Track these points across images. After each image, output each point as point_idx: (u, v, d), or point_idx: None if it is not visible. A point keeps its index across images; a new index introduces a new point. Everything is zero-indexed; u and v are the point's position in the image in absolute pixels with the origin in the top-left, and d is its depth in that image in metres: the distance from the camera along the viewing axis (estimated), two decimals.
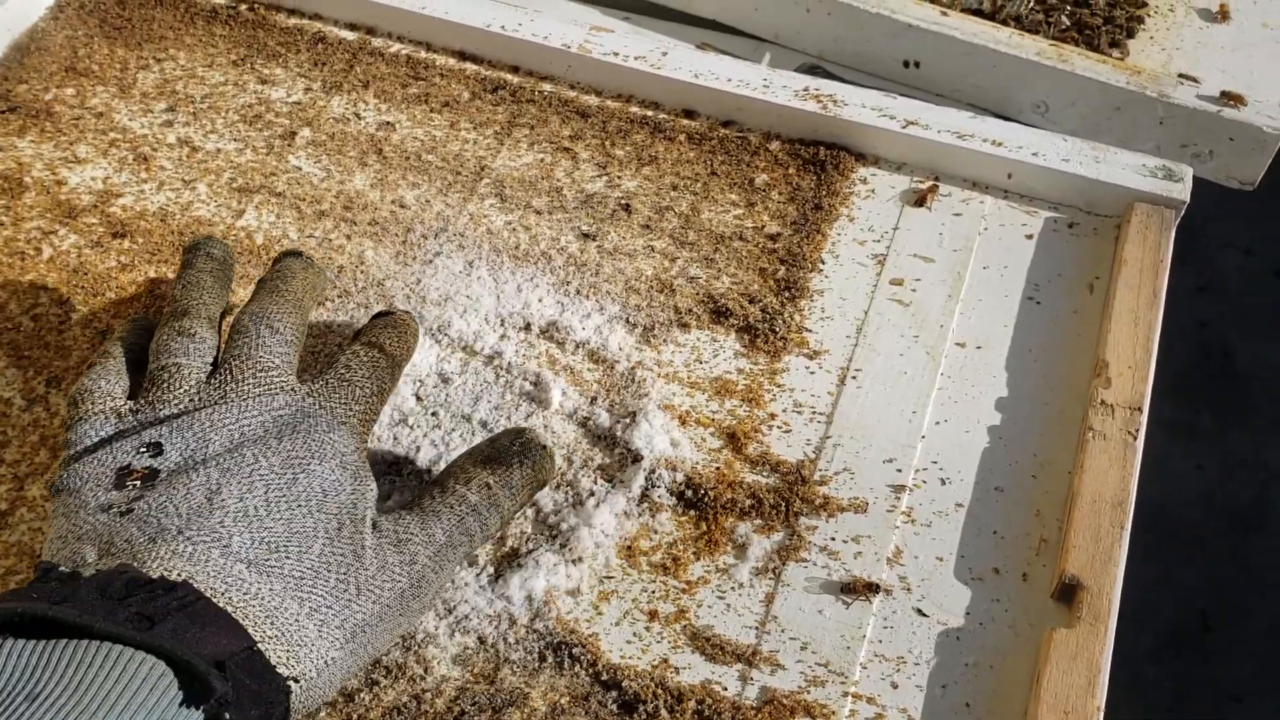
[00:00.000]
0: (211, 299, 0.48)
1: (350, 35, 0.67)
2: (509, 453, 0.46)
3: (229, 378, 0.45)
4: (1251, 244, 1.78)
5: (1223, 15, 0.70)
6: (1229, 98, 0.62)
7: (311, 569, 0.40)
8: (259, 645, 0.36)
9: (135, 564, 0.37)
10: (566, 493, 0.50)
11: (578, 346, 0.54)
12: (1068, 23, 0.69)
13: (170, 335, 0.46)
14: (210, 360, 0.46)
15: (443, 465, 0.50)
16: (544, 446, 0.46)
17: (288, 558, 0.39)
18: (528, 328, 0.55)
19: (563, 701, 0.44)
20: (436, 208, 0.59)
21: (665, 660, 0.45)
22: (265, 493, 0.41)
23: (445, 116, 0.63)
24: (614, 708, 0.44)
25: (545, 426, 0.52)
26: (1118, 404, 0.50)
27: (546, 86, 0.65)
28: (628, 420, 0.52)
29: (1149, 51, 0.69)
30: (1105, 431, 0.50)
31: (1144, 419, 0.50)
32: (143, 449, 0.42)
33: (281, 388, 0.45)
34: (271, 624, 0.37)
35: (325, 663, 0.38)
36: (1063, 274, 0.57)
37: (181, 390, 0.44)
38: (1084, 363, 0.54)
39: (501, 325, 0.55)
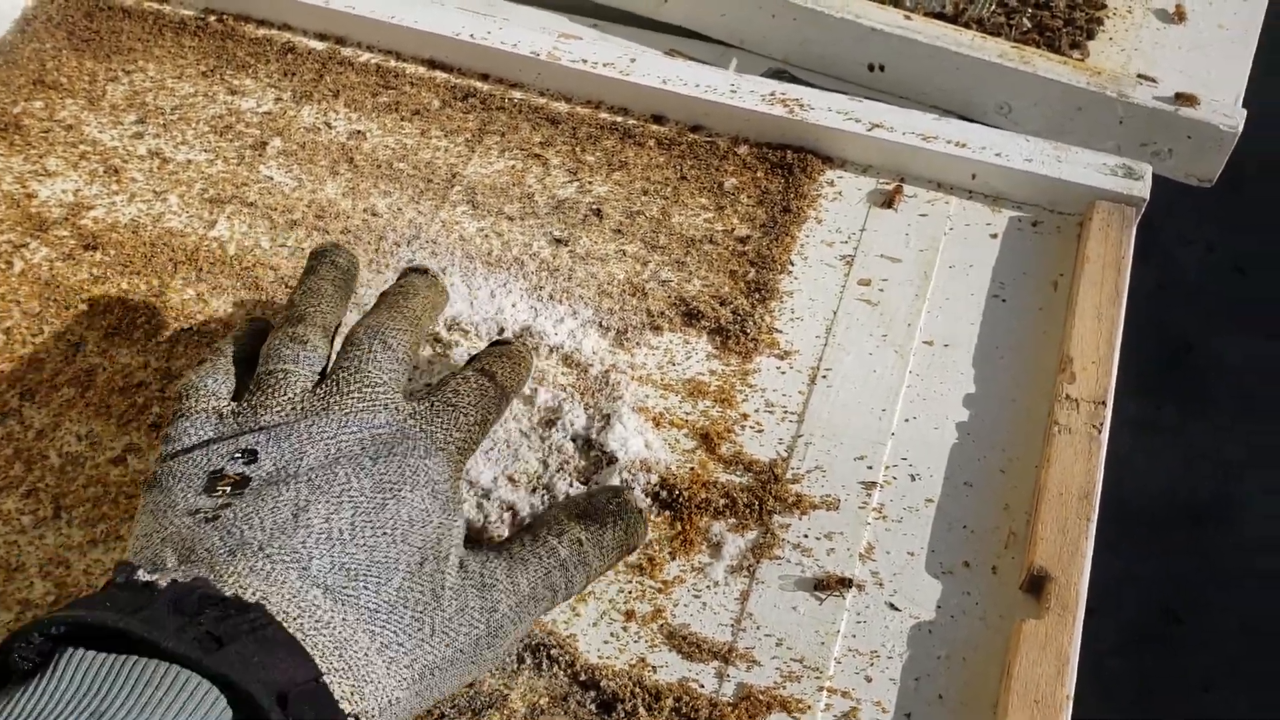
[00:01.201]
0: (330, 308, 0.48)
1: (319, 45, 0.68)
2: (605, 511, 0.45)
3: (334, 389, 0.44)
4: (1211, 240, 1.81)
5: (1179, 16, 0.72)
6: (1183, 98, 0.63)
7: (388, 602, 0.38)
8: (325, 678, 0.35)
9: (213, 575, 0.37)
10: (543, 495, 0.50)
11: (551, 350, 0.55)
12: (1029, 25, 0.70)
13: (283, 341, 0.45)
14: (319, 370, 0.46)
15: None
16: (639, 510, 0.46)
17: (366, 588, 0.38)
18: (501, 333, 0.55)
19: (541, 702, 0.45)
20: (409, 215, 0.60)
21: (643, 659, 0.46)
22: (352, 515, 0.40)
23: (416, 125, 0.64)
24: (592, 707, 0.45)
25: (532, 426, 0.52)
26: (1082, 398, 0.51)
27: (516, 94, 0.65)
28: (602, 423, 0.52)
29: (1108, 53, 0.70)
30: (1070, 425, 0.51)
31: (1109, 413, 0.51)
32: (237, 455, 0.41)
33: (385, 405, 0.44)
34: (340, 656, 0.36)
35: (390, 702, 0.37)
36: (1027, 272, 0.58)
37: (285, 397, 0.44)
38: (1050, 359, 0.55)
39: (475, 331, 0.55)
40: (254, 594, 0.36)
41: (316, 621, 0.37)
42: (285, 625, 0.36)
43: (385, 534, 0.40)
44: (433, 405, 0.45)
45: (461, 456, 0.45)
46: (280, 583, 0.37)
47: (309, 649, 0.36)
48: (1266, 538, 1.52)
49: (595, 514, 0.45)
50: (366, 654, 0.37)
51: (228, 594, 0.36)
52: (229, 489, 0.40)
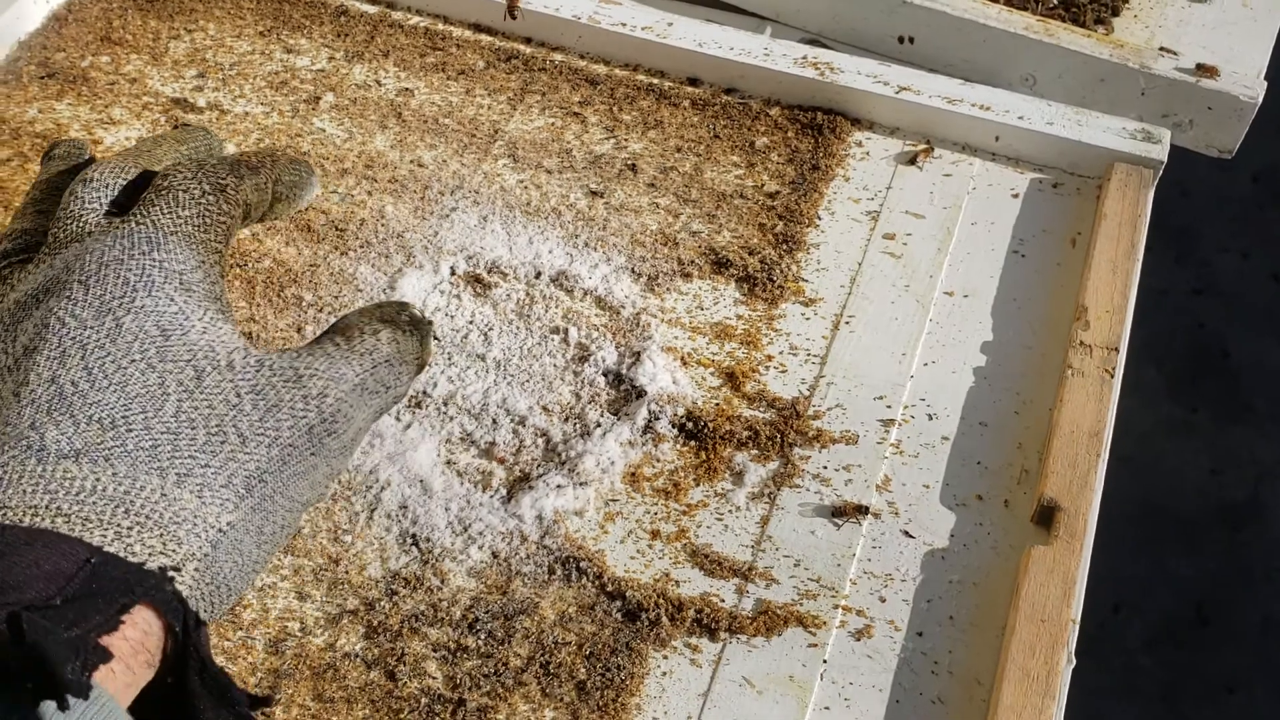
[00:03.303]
0: (41, 194, 0.41)
1: (371, 9, 0.71)
2: (401, 321, 0.41)
3: (42, 247, 0.37)
4: (1249, 248, 1.81)
5: None
6: (1203, 70, 0.65)
7: (169, 431, 0.33)
8: (112, 545, 0.30)
9: None
10: (575, 424, 0.53)
11: (585, 294, 0.58)
12: (1055, 1, 0.72)
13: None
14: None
15: (458, 400, 0.53)
16: (429, 322, 0.42)
17: (130, 430, 0.32)
18: (538, 276, 0.58)
19: (570, 610, 0.47)
20: (453, 167, 0.63)
21: (667, 574, 0.48)
22: (83, 359, 0.33)
23: (461, 84, 0.67)
24: (618, 616, 0.47)
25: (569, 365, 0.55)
26: (1096, 344, 0.53)
27: (557, 56, 0.68)
28: (632, 359, 0.55)
29: (1132, 29, 0.72)
30: (1083, 369, 0.53)
31: (1121, 359, 0.53)
32: None
33: (83, 229, 0.37)
34: (126, 513, 0.31)
35: (219, 530, 0.32)
36: (1046, 230, 0.60)
37: None
38: (1065, 310, 0.57)
39: (514, 274, 0.58)
40: None
41: (76, 495, 0.31)
42: (35, 519, 0.30)
43: (134, 361, 0.34)
44: (144, 200, 0.37)
45: (208, 235, 0.37)
46: (16, 480, 0.31)
47: (75, 529, 0.30)
48: None
49: (396, 323, 0.40)
50: (163, 495, 0.32)
51: None
52: None
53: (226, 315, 0.37)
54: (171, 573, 0.31)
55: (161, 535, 0.31)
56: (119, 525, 0.31)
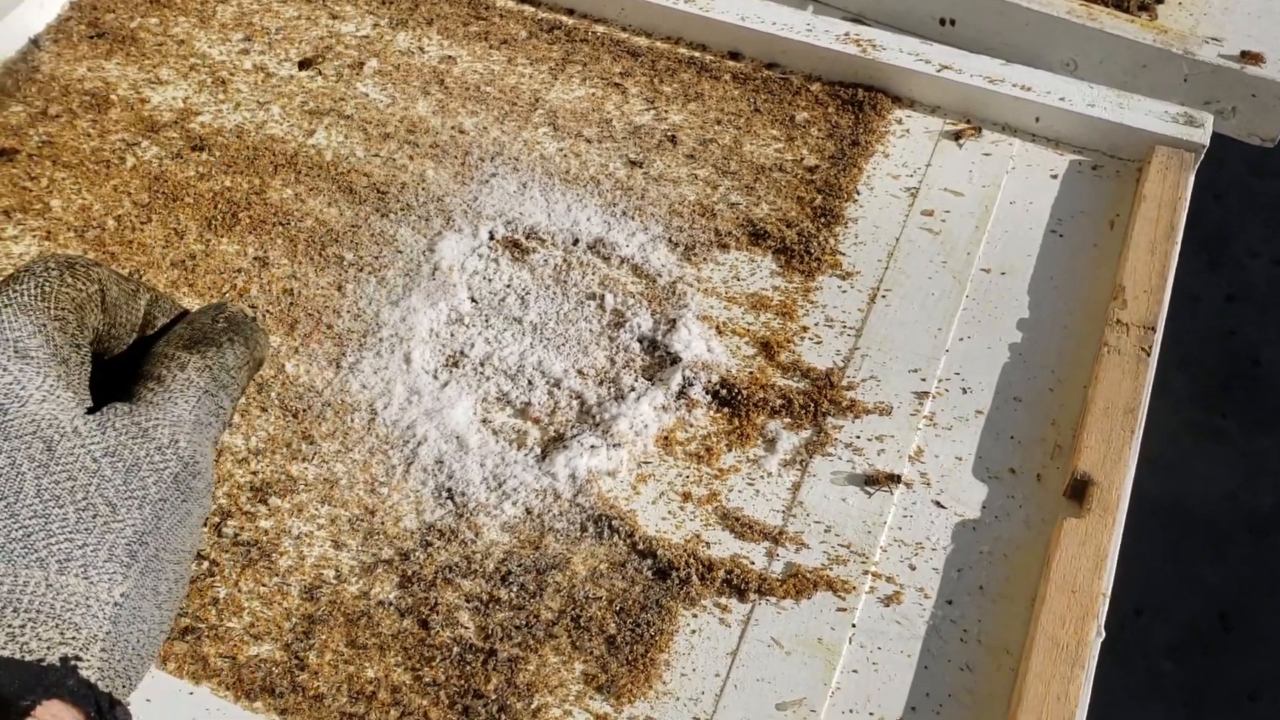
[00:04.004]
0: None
1: None
2: (215, 332, 0.39)
3: None
4: (1278, 254, 1.80)
5: None
6: (1248, 56, 0.65)
7: (35, 515, 0.32)
8: (3, 650, 0.30)
9: None
10: (609, 388, 0.53)
11: (622, 261, 0.58)
12: None
13: None
14: None
15: (495, 361, 0.54)
16: (251, 319, 0.40)
17: None
18: (576, 243, 0.58)
19: (602, 567, 0.47)
20: (493, 134, 0.63)
21: (698, 536, 0.49)
22: None
23: (503, 53, 0.67)
24: (649, 574, 0.47)
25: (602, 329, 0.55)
26: (1133, 323, 0.53)
27: (600, 28, 0.68)
28: (668, 326, 0.55)
29: (1177, 16, 0.71)
30: (1120, 347, 0.53)
31: (1157, 338, 0.53)
32: None
33: None
34: (15, 612, 0.31)
35: (115, 604, 0.32)
36: (1085, 211, 0.60)
37: None
38: (1102, 291, 0.57)
39: (552, 240, 0.58)
40: None
41: None
42: None
43: None
44: None
45: (47, 303, 0.36)
46: None
47: None
48: None
49: (207, 338, 0.39)
50: (49, 585, 0.31)
51: None
52: None
53: (69, 381, 0.36)
54: (74, 661, 0.31)
55: (58, 625, 0.31)
56: (10, 626, 0.31)
